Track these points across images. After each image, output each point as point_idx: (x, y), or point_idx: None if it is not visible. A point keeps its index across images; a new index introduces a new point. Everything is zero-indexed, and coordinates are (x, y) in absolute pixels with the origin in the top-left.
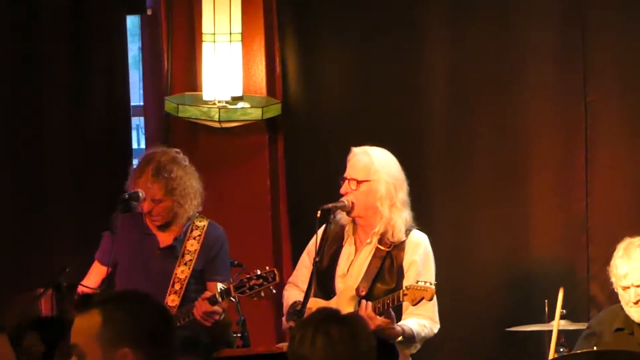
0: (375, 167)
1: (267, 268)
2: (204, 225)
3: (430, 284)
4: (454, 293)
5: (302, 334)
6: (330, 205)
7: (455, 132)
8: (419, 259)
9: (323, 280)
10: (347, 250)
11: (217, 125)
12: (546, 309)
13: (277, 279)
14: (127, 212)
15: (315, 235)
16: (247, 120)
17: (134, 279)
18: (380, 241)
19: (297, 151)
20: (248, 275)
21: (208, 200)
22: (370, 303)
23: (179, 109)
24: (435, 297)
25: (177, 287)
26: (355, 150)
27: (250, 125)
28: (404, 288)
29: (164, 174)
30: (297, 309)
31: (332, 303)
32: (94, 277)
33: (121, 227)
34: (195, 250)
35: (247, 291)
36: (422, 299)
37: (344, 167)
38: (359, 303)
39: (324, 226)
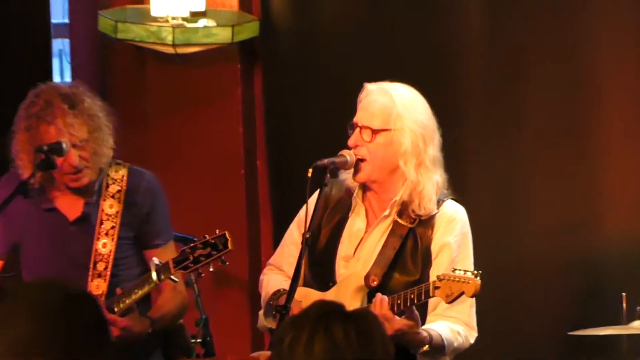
0: (397, 111)
1: (216, 232)
2: (123, 175)
3: (474, 274)
4: (498, 288)
5: (294, 336)
6: (325, 160)
7: (498, 79)
8: (454, 240)
9: (318, 264)
10: (355, 223)
11: (170, 50)
12: (623, 305)
13: (230, 245)
14: (47, 169)
15: (305, 203)
16: (212, 44)
17: (45, 273)
18: (400, 213)
19: (281, 87)
20: (192, 244)
21: (158, 155)
22: (386, 298)
23: (117, 28)
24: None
25: (100, 267)
26: (370, 87)
27: (217, 51)
28: (435, 279)
29: (80, 105)
30: (280, 303)
31: (331, 295)
32: None
33: (10, 204)
34: (117, 212)
35: (191, 265)
36: (462, 294)
37: (348, 110)
38: (369, 297)
39: (318, 190)
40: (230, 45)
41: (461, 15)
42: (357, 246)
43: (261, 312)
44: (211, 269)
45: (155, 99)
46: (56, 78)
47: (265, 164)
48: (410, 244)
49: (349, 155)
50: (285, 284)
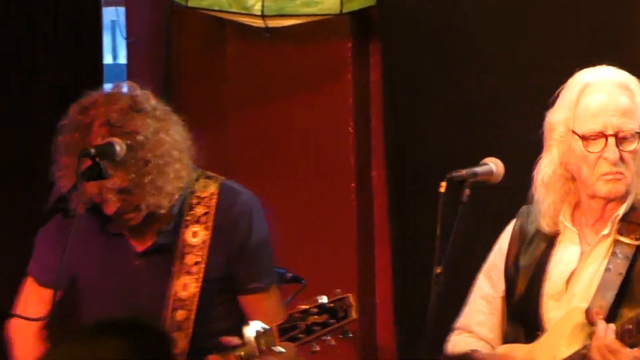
0: (639, 102)
1: (337, 291)
2: (212, 193)
3: None
4: None
5: None
6: (463, 171)
7: None
8: None
9: (519, 312)
10: (565, 253)
11: (259, 23)
12: None
13: (355, 313)
14: (97, 179)
15: (502, 235)
16: (314, 15)
17: (106, 312)
18: (622, 230)
19: (406, 73)
20: (304, 307)
21: (240, 162)
22: (612, 325)
23: None
24: None
25: (180, 316)
26: (588, 78)
27: (320, 24)
28: None
29: (123, 131)
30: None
31: (541, 345)
32: (34, 303)
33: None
34: (204, 242)
35: (302, 336)
36: None
37: (496, 102)
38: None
39: (513, 222)
40: (338, 17)
41: None
42: (569, 279)
43: None
44: (332, 343)
45: (238, 87)
46: (107, 58)
47: (383, 175)
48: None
49: (494, 163)
50: (476, 344)
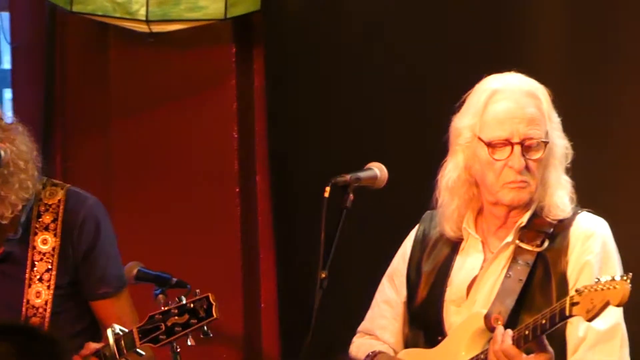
0: (548, 113)
1: (197, 292)
2: (60, 200)
3: (622, 277)
4: None
5: None
6: (348, 176)
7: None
8: (596, 259)
9: (420, 317)
10: (467, 259)
11: (143, 28)
12: None
13: (215, 312)
14: None
15: (406, 240)
16: (199, 20)
17: None
18: (523, 237)
19: (288, 78)
20: (164, 309)
21: (123, 166)
22: (509, 331)
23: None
24: (624, 329)
25: (34, 322)
26: (496, 85)
27: (204, 29)
28: (574, 293)
29: None
30: None
31: (442, 350)
32: None
33: None
34: (53, 248)
35: (163, 337)
36: (607, 304)
37: (376, 107)
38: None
39: (416, 227)
40: (222, 23)
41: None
42: (471, 285)
43: None
44: (189, 343)
45: (122, 92)
46: None
47: (266, 180)
48: (540, 272)
49: (378, 168)
50: (381, 346)
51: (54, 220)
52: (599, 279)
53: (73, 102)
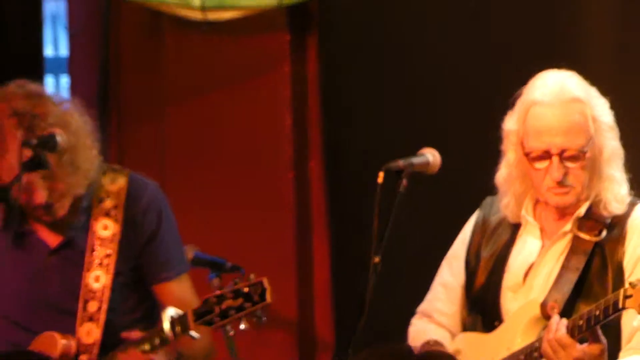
0: (591, 115)
1: (251, 276)
2: (121, 187)
3: None
4: None
5: None
6: (400, 162)
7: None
8: None
9: (479, 301)
10: (525, 246)
11: (198, 16)
12: None
13: (269, 297)
14: (37, 170)
15: (466, 225)
16: (253, 7)
17: (16, 314)
18: (582, 226)
19: (342, 65)
20: (219, 292)
21: (177, 153)
22: (565, 320)
23: None
24: None
25: (92, 307)
26: (543, 97)
27: (259, 17)
28: (628, 285)
29: (40, 124)
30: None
31: (498, 336)
32: None
33: None
34: (114, 235)
35: (217, 319)
36: None
37: (430, 94)
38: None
39: (476, 212)
40: (276, 10)
41: None
42: (528, 272)
43: None
44: (242, 326)
45: (176, 79)
46: (48, 50)
47: (320, 166)
48: (597, 262)
49: (431, 154)
50: (435, 334)
51: (116, 207)
52: None
53: (128, 88)
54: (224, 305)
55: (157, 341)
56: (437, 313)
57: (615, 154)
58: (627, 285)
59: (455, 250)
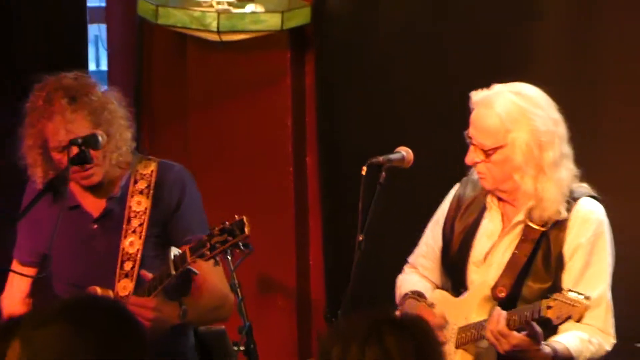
0: (506, 127)
1: (235, 217)
2: (152, 171)
3: (586, 297)
4: None
5: (343, 348)
6: (381, 158)
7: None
8: (588, 242)
9: (452, 266)
10: (490, 225)
11: (215, 38)
12: None
13: (247, 230)
14: (82, 164)
15: (447, 196)
16: (260, 31)
17: (72, 277)
18: (531, 217)
19: (334, 78)
20: (210, 232)
21: (198, 150)
22: (504, 314)
23: (158, 13)
24: (609, 298)
25: (127, 266)
26: (476, 98)
27: (265, 39)
28: (550, 298)
29: (82, 99)
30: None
31: (461, 302)
32: (18, 281)
33: (36, 207)
34: (145, 209)
35: (207, 253)
36: (569, 318)
37: (407, 104)
38: (502, 308)
39: (455, 188)
40: (279, 33)
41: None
42: (489, 251)
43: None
44: (229, 257)
45: (197, 89)
46: (91, 66)
47: (315, 161)
48: (544, 248)
49: (405, 151)
50: (418, 285)
51: (147, 187)
52: (570, 291)
53: (158, 98)
54: (212, 241)
55: (164, 277)
56: (421, 267)
57: (555, 162)
58: (551, 297)
59: (437, 216)
